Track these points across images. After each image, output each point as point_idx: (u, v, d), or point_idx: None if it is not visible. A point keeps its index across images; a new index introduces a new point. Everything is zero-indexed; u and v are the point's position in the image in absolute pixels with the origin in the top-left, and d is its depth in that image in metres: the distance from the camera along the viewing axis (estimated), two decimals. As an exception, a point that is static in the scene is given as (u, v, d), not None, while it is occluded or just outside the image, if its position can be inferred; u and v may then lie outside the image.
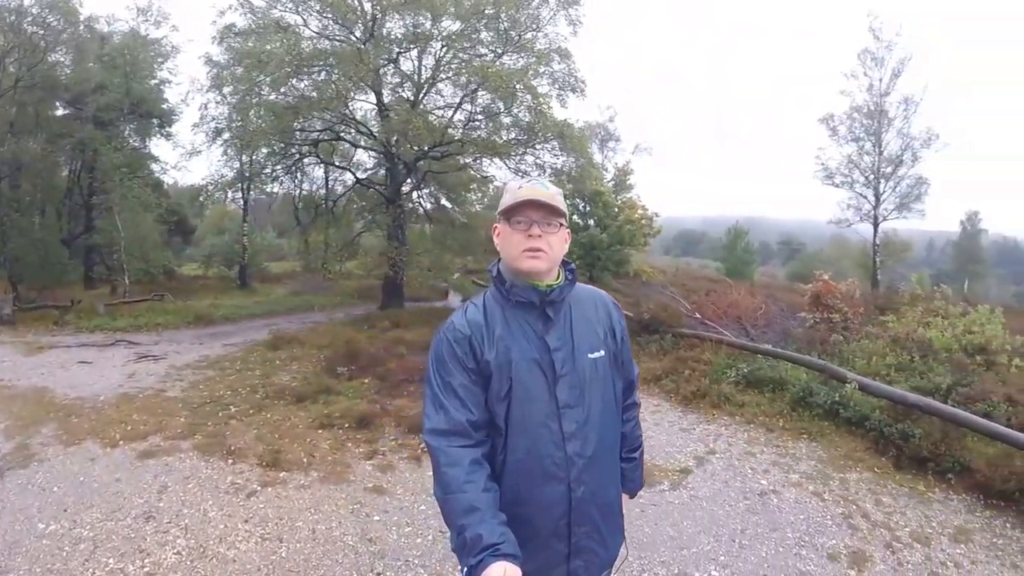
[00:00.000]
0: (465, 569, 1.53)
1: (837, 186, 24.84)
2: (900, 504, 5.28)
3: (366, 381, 7.76)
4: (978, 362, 8.71)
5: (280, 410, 6.93)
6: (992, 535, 4.83)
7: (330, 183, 20.13)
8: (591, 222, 18.57)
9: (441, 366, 1.81)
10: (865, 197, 24.49)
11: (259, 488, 4.97)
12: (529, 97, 13.08)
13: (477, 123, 14.56)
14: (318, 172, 19.53)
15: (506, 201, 1.82)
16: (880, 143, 23.63)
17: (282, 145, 14.54)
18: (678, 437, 6.56)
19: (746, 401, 7.60)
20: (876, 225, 24.76)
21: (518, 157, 14.45)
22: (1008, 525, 4.97)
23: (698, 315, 10.96)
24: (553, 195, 1.79)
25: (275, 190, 19.31)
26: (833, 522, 4.89)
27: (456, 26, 13.52)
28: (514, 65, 13.71)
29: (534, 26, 13.91)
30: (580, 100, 14.78)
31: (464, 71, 13.41)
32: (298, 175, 18.28)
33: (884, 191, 24.12)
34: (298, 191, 19.33)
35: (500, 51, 13.75)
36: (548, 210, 1.78)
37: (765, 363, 8.53)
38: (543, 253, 1.77)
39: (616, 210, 18.80)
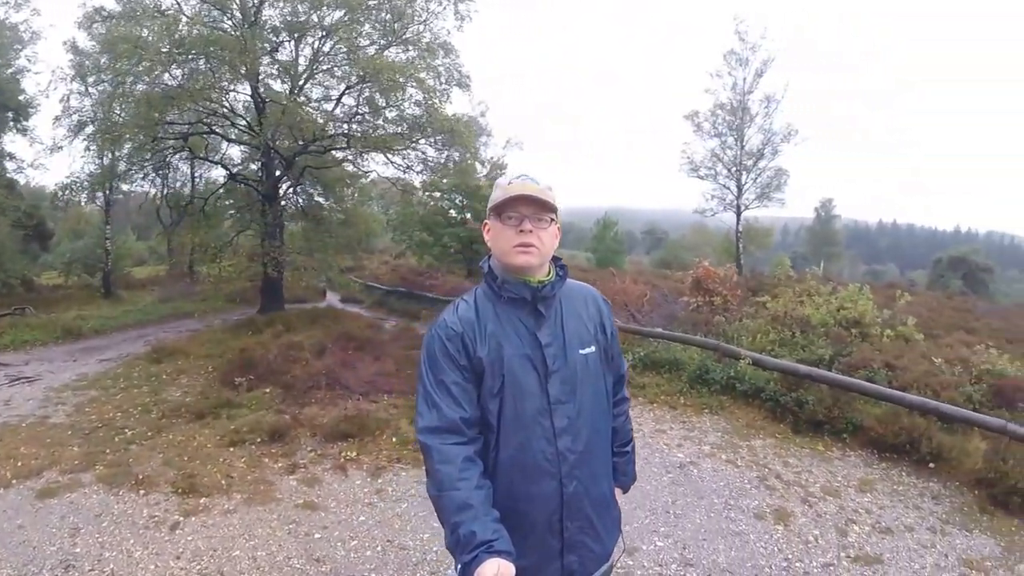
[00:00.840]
0: (459, 566, 1.54)
1: (702, 178, 26.84)
2: (805, 464, 5.80)
3: (268, 391, 7.31)
4: (853, 334, 9.67)
5: (181, 429, 6.39)
6: (891, 483, 5.42)
7: (200, 180, 18.86)
8: (468, 215, 18.81)
9: (433, 364, 1.79)
10: (728, 188, 26.63)
11: (181, 519, 4.51)
12: (419, 92, 12.98)
13: (360, 117, 14.19)
14: (187, 169, 18.24)
15: (496, 197, 1.82)
16: (742, 138, 25.73)
17: (151, 140, 13.45)
18: None
19: (646, 383, 7.97)
20: (739, 214, 26.81)
21: (402, 152, 14.28)
22: (904, 473, 5.60)
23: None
24: (544, 190, 1.79)
25: (140, 189, 17.87)
26: (751, 485, 5.30)
27: (337, 15, 13.04)
28: (397, 59, 13.52)
29: (421, 19, 13.77)
30: (466, 95, 14.86)
31: (346, 63, 13.06)
32: (167, 172, 17.03)
33: (746, 182, 26.28)
34: (164, 190, 17.95)
35: (385, 43, 13.50)
36: (539, 205, 1.78)
37: (659, 346, 8.98)
38: (535, 248, 1.77)
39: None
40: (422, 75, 13.00)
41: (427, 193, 18.28)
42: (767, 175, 26.02)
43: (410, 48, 13.57)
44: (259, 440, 5.93)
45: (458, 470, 1.65)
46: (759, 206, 26.84)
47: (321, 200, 16.28)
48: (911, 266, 75.94)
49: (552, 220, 1.83)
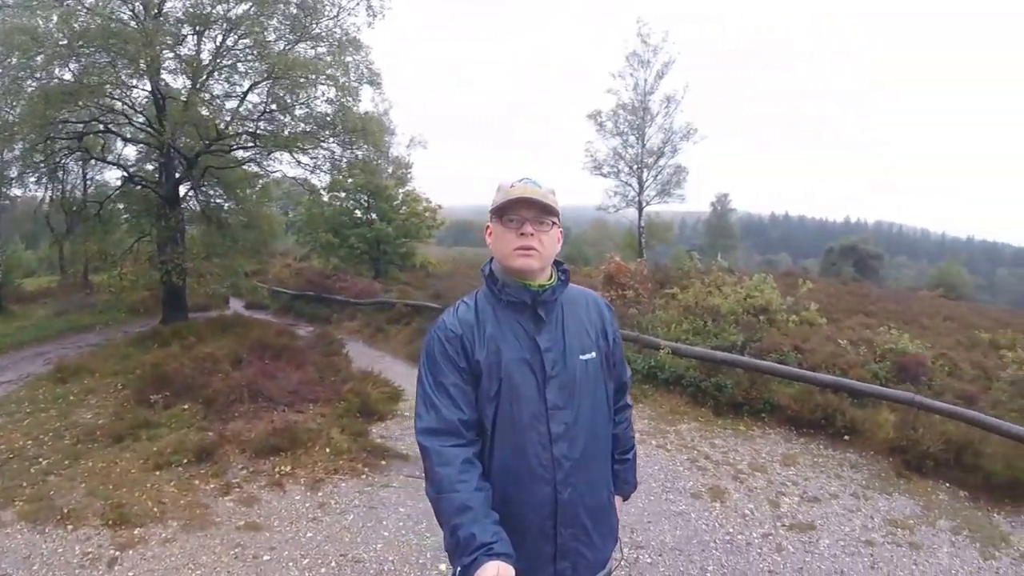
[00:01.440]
0: (459, 568, 1.53)
1: (605, 175, 27.60)
2: (731, 444, 6.14)
3: (187, 407, 6.84)
4: (761, 321, 10.22)
5: (100, 455, 5.88)
6: (812, 456, 5.83)
7: (93, 183, 17.45)
8: (373, 215, 18.51)
9: (433, 365, 1.78)
10: (630, 185, 27.48)
11: (118, 553, 4.15)
12: (331, 90, 12.64)
13: (268, 115, 13.63)
14: (80, 170, 16.89)
15: (498, 199, 1.80)
16: (643, 137, 26.65)
17: (43, 139, 12.40)
18: None
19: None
20: (640, 209, 27.84)
21: (310, 151, 13.84)
22: (822, 447, 6.06)
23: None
24: (545, 193, 1.78)
25: (29, 193, 16.41)
26: (684, 467, 5.57)
27: (243, 8, 12.38)
28: (306, 55, 13.08)
29: (331, 14, 13.35)
30: (378, 93, 14.52)
31: (252, 59, 12.51)
32: (61, 175, 15.68)
33: (647, 179, 27.25)
34: (54, 194, 16.51)
35: (294, 39, 13.00)
36: (540, 208, 1.76)
37: None
38: (535, 251, 1.75)
39: (399, 203, 18.97)
40: (333, 72, 12.69)
41: (331, 193, 17.90)
42: (667, 172, 27.05)
43: (320, 44, 13.23)
44: (186, 461, 5.54)
45: (457, 472, 1.64)
46: (659, 202, 27.90)
47: (222, 201, 15.59)
48: (803, 255, 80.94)
49: (554, 223, 1.81)
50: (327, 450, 5.62)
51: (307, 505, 4.82)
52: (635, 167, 26.78)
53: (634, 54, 26.00)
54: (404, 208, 18.77)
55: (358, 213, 18.82)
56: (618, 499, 2.07)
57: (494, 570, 1.45)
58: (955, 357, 10.41)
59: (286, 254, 24.73)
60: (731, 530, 4.43)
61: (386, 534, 4.31)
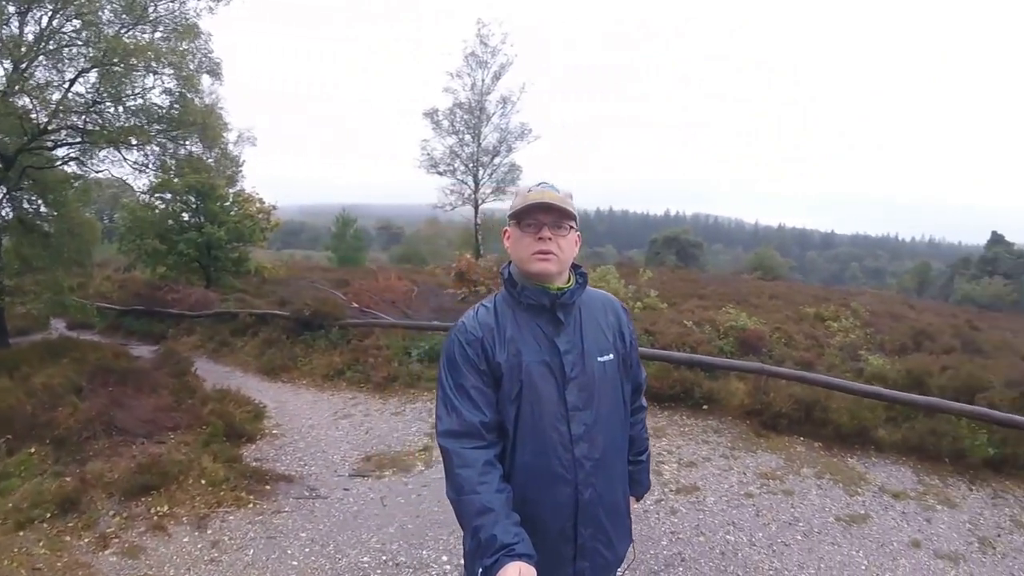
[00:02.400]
0: (480, 570, 1.55)
1: (441, 174, 28.11)
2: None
3: (34, 451, 5.75)
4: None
5: None
6: (678, 427, 6.38)
7: None
8: (202, 218, 17.21)
9: (453, 368, 1.81)
10: (466, 183, 28.29)
11: None
12: (171, 80, 11.60)
13: (98, 107, 12.22)
14: None
15: (516, 204, 1.84)
16: (479, 136, 27.51)
17: None
18: (396, 422, 6.77)
19: (436, 375, 8.23)
20: (477, 207, 28.56)
21: (143, 148, 12.63)
22: (685, 417, 6.64)
23: (356, 304, 11.32)
24: (563, 198, 1.82)
25: None
26: None
27: None
28: (142, 40, 11.88)
29: None
30: (217, 84, 13.45)
31: (80, 43, 11.16)
32: None
33: (483, 177, 28.18)
34: None
35: (132, 21, 11.72)
36: (558, 213, 1.80)
37: (443, 337, 9.35)
38: (553, 256, 1.80)
39: (229, 204, 17.84)
40: (175, 59, 11.73)
41: (158, 195, 16.46)
42: (502, 171, 28.08)
43: (159, 28, 12.15)
44: (49, 515, 4.70)
45: (478, 474, 1.67)
46: (495, 199, 28.64)
47: (40, 207, 13.74)
48: (627, 246, 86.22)
49: (572, 228, 1.85)
50: (202, 482, 5.10)
51: (199, 546, 4.34)
52: (471, 165, 27.37)
53: (473, 55, 26.65)
54: (236, 210, 17.70)
55: (186, 216, 17.49)
56: (631, 499, 2.14)
57: (515, 571, 1.47)
58: (788, 330, 11.75)
59: (106, 265, 22.51)
60: None
61: (295, 563, 4.07)
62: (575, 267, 1.92)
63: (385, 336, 9.50)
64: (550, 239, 1.79)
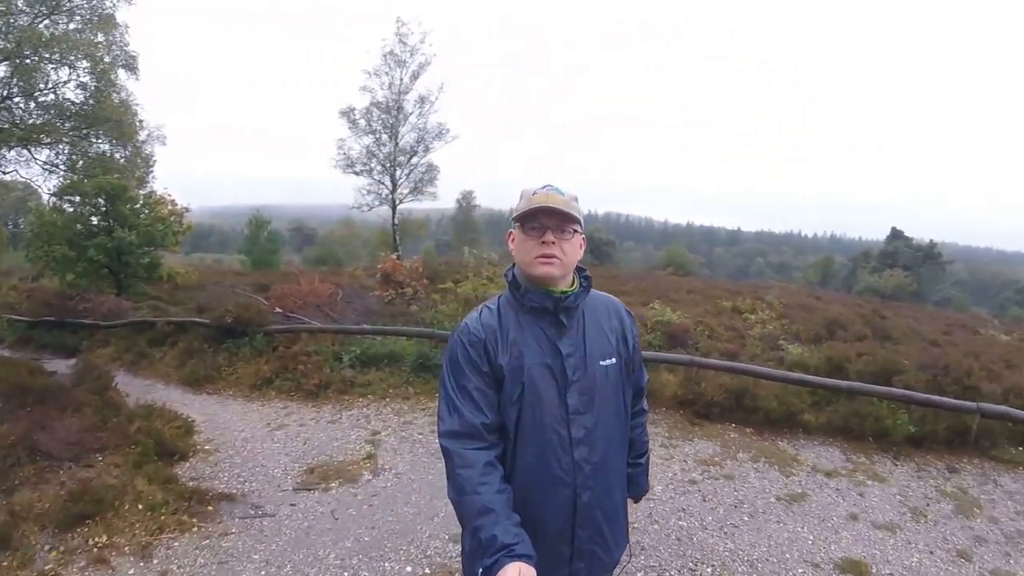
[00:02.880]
0: (480, 570, 1.55)
1: (358, 173, 27.63)
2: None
3: None
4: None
5: None
6: None
7: None
8: (112, 222, 16.09)
9: (455, 369, 1.82)
10: (383, 183, 27.84)
11: None
12: (86, 74, 10.89)
13: (9, 102, 11.32)
14: None
15: (520, 207, 1.83)
16: (397, 135, 27.15)
17: None
18: (334, 431, 6.57)
19: (370, 380, 8.02)
20: (394, 208, 28.25)
21: (54, 147, 11.83)
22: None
23: (279, 309, 10.98)
24: (567, 201, 1.81)
25: None
26: None
27: None
28: (56, 31, 11.09)
29: None
30: (133, 80, 12.73)
31: None
32: None
33: (400, 177, 27.79)
34: None
35: (46, 11, 10.89)
36: (562, 217, 1.79)
37: (375, 341, 9.05)
38: (556, 260, 1.79)
39: (140, 206, 16.84)
40: (91, 51, 11.04)
41: (66, 197, 15.37)
42: (419, 171, 27.88)
43: (74, 17, 11.37)
44: None
45: (479, 474, 1.68)
46: (412, 199, 28.48)
47: None
48: None
49: (576, 231, 1.85)
50: (140, 507, 4.70)
51: (148, 579, 3.97)
52: (388, 165, 27.08)
53: (391, 54, 26.41)
54: (147, 212, 16.72)
55: (95, 220, 16.37)
56: (629, 502, 2.16)
57: (515, 571, 1.47)
58: (710, 323, 12.14)
59: (11, 273, 20.94)
60: None
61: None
62: (579, 270, 1.93)
63: (313, 342, 9.18)
64: (554, 243, 1.79)
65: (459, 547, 4.04)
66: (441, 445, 1.78)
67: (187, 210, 18.16)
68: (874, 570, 4.10)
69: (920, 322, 17.53)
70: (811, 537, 4.43)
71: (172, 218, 17.43)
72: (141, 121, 13.69)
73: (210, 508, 4.78)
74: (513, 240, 1.89)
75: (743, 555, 4.17)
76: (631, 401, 2.04)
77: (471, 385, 1.78)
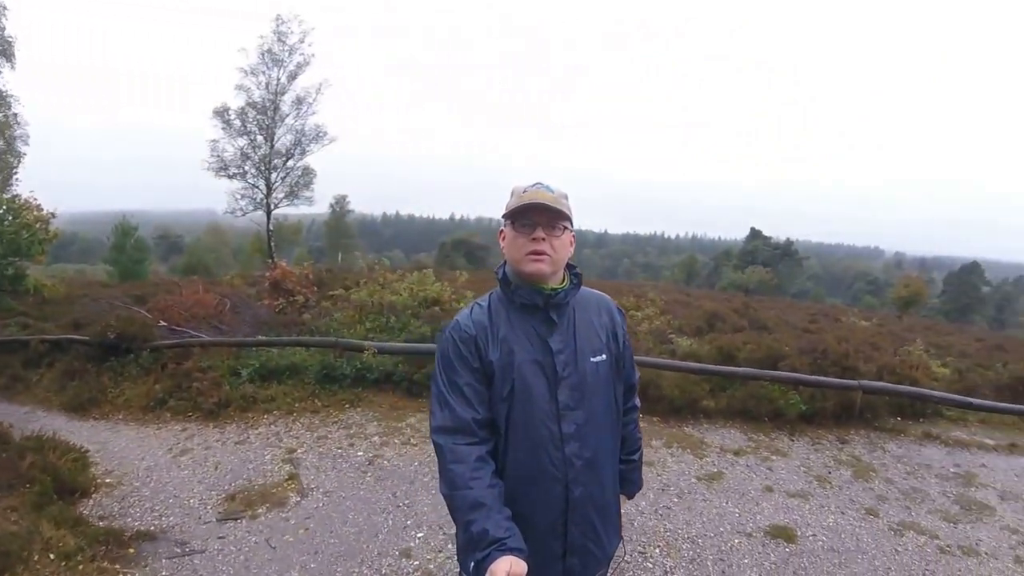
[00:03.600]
0: (472, 564, 1.59)
1: (231, 177, 26.20)
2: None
3: None
4: (436, 311, 11.05)
5: None
6: None
7: None
8: None
9: (447, 365, 1.85)
10: (258, 187, 26.61)
11: None
12: None
13: None
14: None
15: (511, 204, 1.85)
16: (272, 137, 26.09)
17: None
18: (244, 452, 6.17)
19: (273, 395, 7.61)
20: (269, 213, 27.10)
21: None
22: None
23: (164, 322, 10.33)
24: (557, 198, 1.84)
25: None
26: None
27: None
28: None
29: None
30: (9, 68, 11.26)
31: None
32: None
33: (276, 181, 26.74)
34: None
35: None
36: (552, 214, 1.82)
37: (272, 353, 8.60)
38: (547, 256, 1.82)
39: (3, 211, 15.09)
40: None
41: None
42: (295, 174, 26.96)
43: None
44: None
45: (470, 469, 1.70)
46: (288, 204, 27.49)
47: None
48: (415, 251, 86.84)
49: (566, 228, 1.87)
50: (51, 556, 4.08)
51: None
52: (263, 168, 25.99)
53: (269, 51, 25.40)
54: (11, 219, 15.00)
55: None
56: (622, 498, 2.18)
57: (507, 565, 1.47)
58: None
59: None
60: None
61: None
62: (570, 267, 1.97)
63: (206, 356, 8.58)
64: (544, 240, 1.82)
65: (412, 561, 4.09)
66: (433, 440, 1.80)
67: (53, 216, 16.57)
68: (799, 532, 4.56)
69: (786, 313, 18.98)
70: (736, 511, 4.81)
71: (38, 225, 15.86)
72: (15, 115, 12.40)
73: (131, 550, 4.31)
74: (504, 238, 1.92)
75: (682, 533, 4.46)
76: (622, 397, 2.08)
77: (462, 381, 1.81)
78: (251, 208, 26.96)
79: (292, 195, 27.30)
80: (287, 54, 26.01)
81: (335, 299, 12.26)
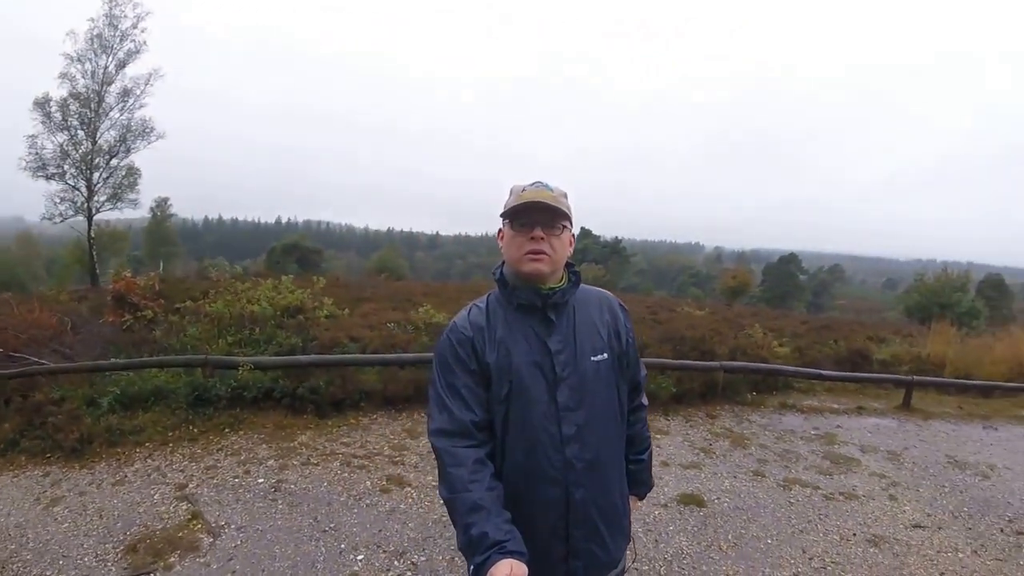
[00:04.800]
0: (472, 567, 1.56)
1: (49, 178, 23.17)
2: (360, 438, 6.63)
3: None
4: (300, 320, 10.68)
5: None
6: (423, 425, 6.76)
7: None
8: None
9: (444, 367, 1.83)
10: (79, 189, 23.69)
11: None
12: None
13: None
14: None
15: (509, 204, 1.84)
16: (96, 133, 23.24)
17: None
18: (127, 493, 5.45)
19: (142, 424, 6.87)
20: (90, 218, 24.25)
21: None
22: (423, 415, 6.99)
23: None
24: (556, 197, 1.82)
25: None
26: (345, 471, 5.77)
27: None
28: None
29: None
30: None
31: None
32: None
33: (98, 182, 23.94)
34: None
35: None
36: (551, 213, 1.81)
37: (130, 376, 7.78)
38: (545, 256, 1.81)
39: None
40: None
41: None
42: (119, 174, 24.37)
43: None
44: None
45: (469, 472, 1.68)
46: (111, 208, 24.81)
47: None
48: (239, 257, 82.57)
49: (565, 227, 1.86)
50: None
51: None
52: (84, 168, 23.36)
53: (99, 36, 22.76)
54: None
55: None
56: (633, 499, 2.17)
57: (507, 568, 1.46)
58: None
59: None
60: (438, 503, 5.00)
61: None
62: (569, 266, 1.95)
63: (56, 386, 7.56)
64: (543, 239, 1.81)
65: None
66: (431, 444, 1.79)
67: None
68: (705, 497, 5.18)
69: (626, 305, 20.20)
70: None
71: None
72: None
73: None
74: (503, 237, 1.91)
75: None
76: (628, 396, 2.05)
77: (460, 383, 1.80)
78: (71, 213, 23.94)
79: (116, 198, 24.67)
80: (118, 40, 23.53)
81: (183, 312, 11.43)
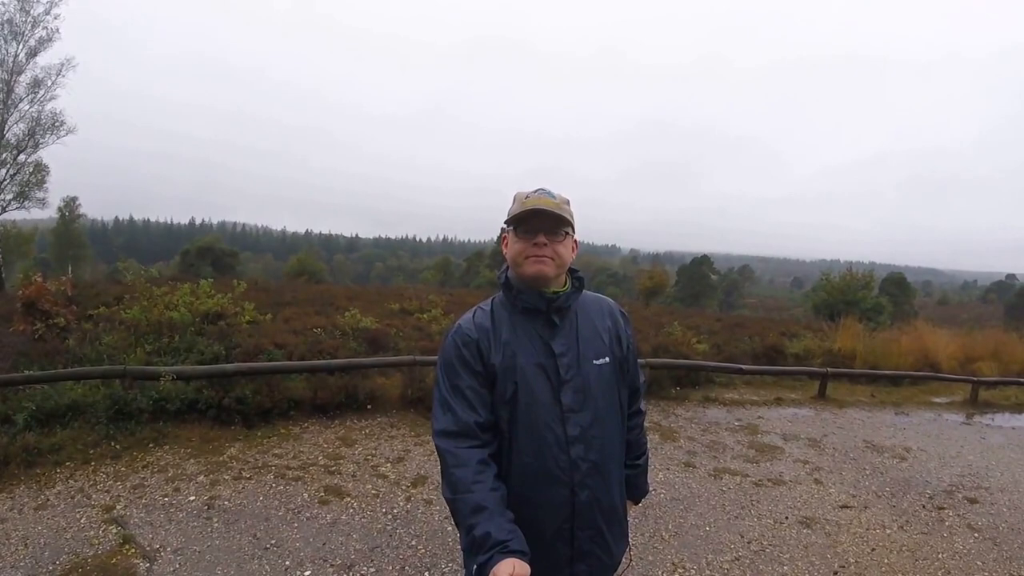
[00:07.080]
0: (475, 567, 1.57)
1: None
2: (293, 448, 6.45)
3: None
4: (221, 326, 10.33)
5: None
6: (359, 431, 6.98)
7: None
8: None
9: (449, 369, 1.85)
10: (-17, 188, 21.30)
11: None
12: None
13: None
14: None
15: (513, 210, 1.85)
16: (3, 126, 21.45)
17: None
18: (53, 519, 4.97)
19: (60, 442, 6.33)
20: (-2, 218, 22.40)
21: None
22: (356, 421, 7.27)
23: None
24: (559, 204, 1.85)
25: None
26: (280, 484, 5.58)
27: None
28: None
29: None
30: None
31: None
32: None
33: (3, 179, 22.18)
34: None
35: None
36: (554, 219, 1.83)
37: (44, 390, 7.13)
38: (548, 260, 1.84)
39: None
40: None
41: None
42: (27, 172, 22.62)
43: None
44: None
45: (473, 473, 1.69)
46: (17, 207, 22.99)
47: None
48: (151, 259, 79.23)
49: (567, 234, 1.89)
50: None
51: None
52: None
53: (9, 22, 21.11)
54: None
55: None
56: (629, 503, 2.18)
57: (510, 567, 1.47)
58: (396, 324, 12.53)
59: None
60: (381, 512, 5.03)
61: None
62: (572, 271, 1.98)
63: None
64: (546, 244, 1.84)
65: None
66: (435, 444, 1.80)
67: None
68: None
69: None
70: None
71: None
72: None
73: None
74: (507, 244, 1.93)
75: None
76: (627, 401, 2.08)
77: (464, 384, 1.82)
78: (-22, 215, 22.16)
79: (23, 196, 22.92)
80: (29, 27, 21.87)
81: (96, 319, 10.87)
